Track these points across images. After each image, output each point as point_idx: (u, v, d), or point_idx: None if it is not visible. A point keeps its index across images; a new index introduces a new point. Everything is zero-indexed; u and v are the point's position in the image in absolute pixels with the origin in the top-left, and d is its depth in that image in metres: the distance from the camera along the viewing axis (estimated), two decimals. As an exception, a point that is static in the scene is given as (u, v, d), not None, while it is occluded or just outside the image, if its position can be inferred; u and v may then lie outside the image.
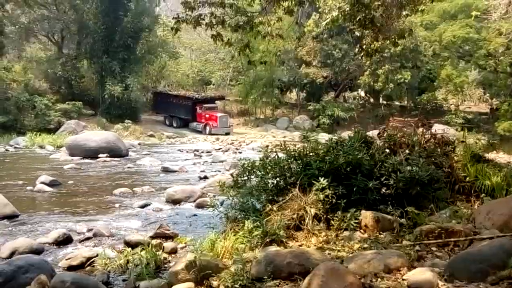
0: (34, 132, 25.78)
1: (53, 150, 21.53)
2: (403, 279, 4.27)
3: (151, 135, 31.00)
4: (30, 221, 8.59)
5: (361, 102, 42.26)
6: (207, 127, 33.82)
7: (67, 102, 31.55)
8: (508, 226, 5.37)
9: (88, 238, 7.43)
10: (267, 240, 5.74)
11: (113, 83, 32.37)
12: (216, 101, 37.76)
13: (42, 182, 12.18)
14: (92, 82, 36.34)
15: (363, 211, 6.33)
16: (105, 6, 33.06)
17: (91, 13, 34.29)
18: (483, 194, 7.15)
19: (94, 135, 20.60)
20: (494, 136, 31.55)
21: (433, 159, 7.54)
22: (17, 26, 33.86)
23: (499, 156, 15.85)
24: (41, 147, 22.78)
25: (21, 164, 16.76)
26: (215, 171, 15.36)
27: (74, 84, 34.86)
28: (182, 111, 35.99)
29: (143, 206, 10.01)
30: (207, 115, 34.29)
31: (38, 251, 6.64)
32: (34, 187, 11.87)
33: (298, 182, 6.59)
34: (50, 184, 12.21)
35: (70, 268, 5.98)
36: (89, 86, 36.48)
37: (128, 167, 16.38)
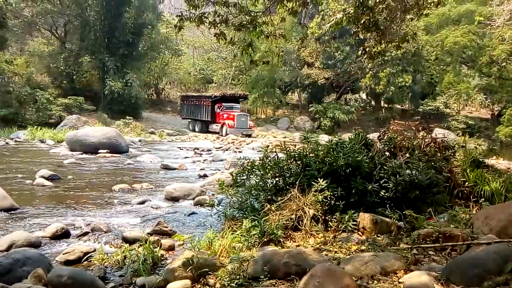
0: (35, 126, 25.90)
1: (53, 145, 21.58)
2: (399, 282, 4.28)
3: (152, 132, 30.99)
4: (28, 215, 8.58)
5: (362, 105, 42.37)
6: (224, 128, 31.22)
7: (68, 97, 31.57)
8: (506, 232, 5.38)
9: (85, 233, 7.41)
10: (265, 239, 5.75)
11: (113, 79, 32.39)
12: (239, 101, 35.07)
13: (41, 176, 12.16)
14: (94, 77, 36.39)
15: (361, 213, 6.34)
16: (107, 1, 33.07)
17: (93, 8, 34.33)
18: (482, 199, 7.18)
19: (94, 130, 20.59)
20: (495, 142, 31.67)
21: (432, 163, 7.56)
22: (20, 20, 33.89)
23: (499, 162, 15.84)
24: (42, 141, 22.80)
25: (21, 158, 16.76)
26: (215, 170, 15.34)
27: (76, 79, 34.92)
28: (203, 113, 33.61)
29: (141, 203, 9.98)
30: (225, 115, 31.71)
31: (35, 244, 6.62)
32: (33, 181, 11.85)
33: (297, 183, 6.60)
34: (50, 178, 12.20)
35: (67, 262, 5.97)
36: (91, 81, 36.55)
37: (128, 164, 16.39)
